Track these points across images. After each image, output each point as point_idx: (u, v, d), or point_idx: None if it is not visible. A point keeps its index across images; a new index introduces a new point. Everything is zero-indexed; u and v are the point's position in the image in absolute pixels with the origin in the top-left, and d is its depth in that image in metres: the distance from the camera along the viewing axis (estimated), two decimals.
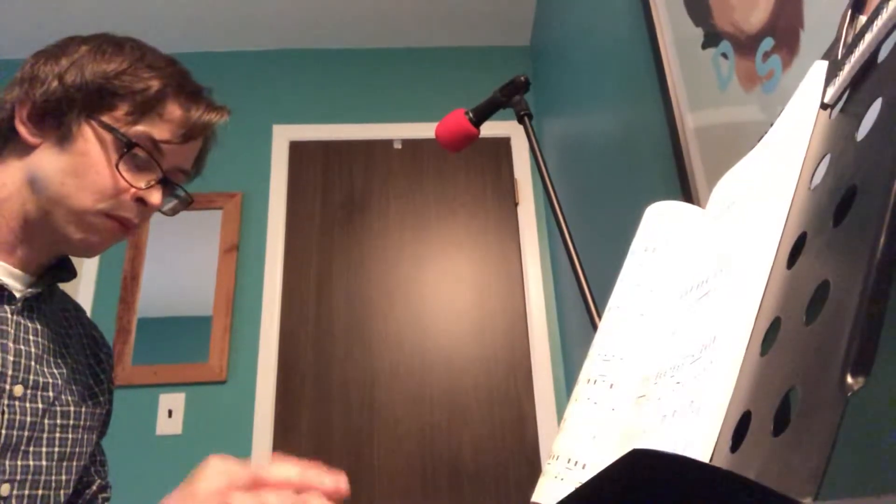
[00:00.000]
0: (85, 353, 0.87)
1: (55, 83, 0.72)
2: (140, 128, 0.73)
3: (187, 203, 0.85)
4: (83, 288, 2.30)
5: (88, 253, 0.76)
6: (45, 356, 0.76)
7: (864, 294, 0.24)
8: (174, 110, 0.76)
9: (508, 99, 1.02)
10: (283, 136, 2.62)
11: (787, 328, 0.31)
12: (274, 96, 2.70)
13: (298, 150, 2.60)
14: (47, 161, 0.72)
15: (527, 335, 2.33)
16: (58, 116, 0.72)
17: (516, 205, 2.54)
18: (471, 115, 1.04)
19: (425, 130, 2.59)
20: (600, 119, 1.68)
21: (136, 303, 2.29)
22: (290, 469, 0.57)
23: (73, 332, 0.85)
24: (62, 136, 0.72)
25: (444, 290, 2.40)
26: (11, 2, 2.45)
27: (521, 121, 0.99)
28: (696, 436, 0.35)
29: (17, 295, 0.73)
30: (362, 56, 2.80)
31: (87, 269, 2.32)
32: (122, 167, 0.72)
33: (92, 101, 0.72)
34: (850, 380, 0.23)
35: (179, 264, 2.39)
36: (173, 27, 2.54)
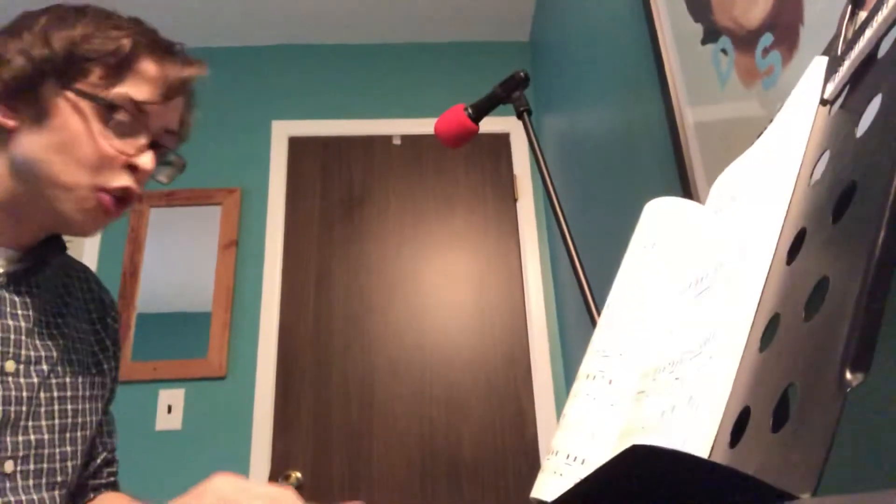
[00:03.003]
0: (90, 319, 0.86)
1: (20, 59, 0.68)
2: (118, 90, 0.70)
3: (181, 167, 0.82)
4: None
5: (87, 232, 0.74)
6: (38, 329, 0.75)
7: (863, 290, 0.24)
8: (149, 68, 0.73)
9: (508, 95, 1.02)
10: (283, 131, 2.61)
11: (787, 324, 0.31)
12: (273, 92, 2.69)
13: (297, 146, 2.60)
14: (28, 142, 0.69)
15: (526, 331, 2.33)
16: (31, 93, 0.69)
17: (515, 201, 2.54)
18: (470, 110, 1.04)
19: (425, 126, 2.59)
20: (600, 115, 1.67)
21: (136, 298, 2.29)
22: None
23: (73, 299, 0.84)
24: (39, 113, 0.69)
25: (443, 285, 2.40)
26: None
27: (520, 117, 0.99)
28: (695, 431, 0.35)
29: (1, 270, 0.72)
30: (362, 51, 2.80)
31: (87, 264, 2.31)
32: (107, 134, 0.70)
33: (63, 70, 0.69)
34: (849, 376, 0.23)
35: (178, 260, 2.39)
36: (171, 23, 2.52)
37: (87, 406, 0.80)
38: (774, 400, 0.28)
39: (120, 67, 0.70)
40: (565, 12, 2.08)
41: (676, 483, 0.29)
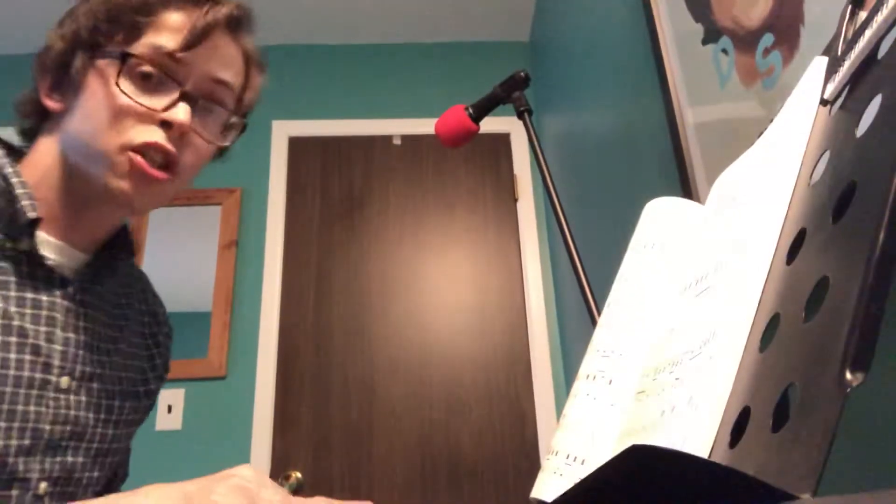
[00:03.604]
0: (143, 334, 0.82)
1: (59, 43, 0.68)
2: (142, 42, 0.67)
3: (241, 128, 0.75)
4: None
5: (134, 201, 0.68)
6: (96, 343, 0.71)
7: (863, 290, 0.24)
8: (172, 16, 0.68)
9: (508, 95, 1.02)
10: (283, 131, 2.61)
11: (787, 324, 0.31)
12: (273, 92, 2.67)
13: (298, 146, 2.60)
14: (71, 122, 0.68)
15: (526, 331, 2.33)
16: (68, 74, 0.68)
17: (516, 201, 2.54)
18: (470, 110, 1.04)
19: (425, 126, 2.59)
20: (600, 115, 1.67)
21: None
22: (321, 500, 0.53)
23: (131, 311, 0.80)
24: (74, 89, 0.68)
25: (443, 285, 2.40)
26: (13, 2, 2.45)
27: (520, 117, 0.99)
28: (695, 431, 0.35)
29: (69, 277, 0.68)
30: (362, 51, 2.80)
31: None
32: (125, 87, 0.66)
33: (90, 41, 0.67)
34: (849, 376, 0.23)
35: (178, 260, 2.39)
36: None
37: (124, 431, 0.76)
38: (774, 400, 0.28)
39: (139, 16, 0.67)
40: (565, 12, 2.08)
41: (676, 483, 0.29)
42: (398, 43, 2.82)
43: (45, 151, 0.69)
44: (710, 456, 0.33)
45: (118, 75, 0.66)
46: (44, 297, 0.66)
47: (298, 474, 2.09)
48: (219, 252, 2.38)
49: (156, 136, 0.66)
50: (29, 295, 0.65)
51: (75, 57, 0.68)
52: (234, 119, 0.75)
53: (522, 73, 1.01)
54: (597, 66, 1.69)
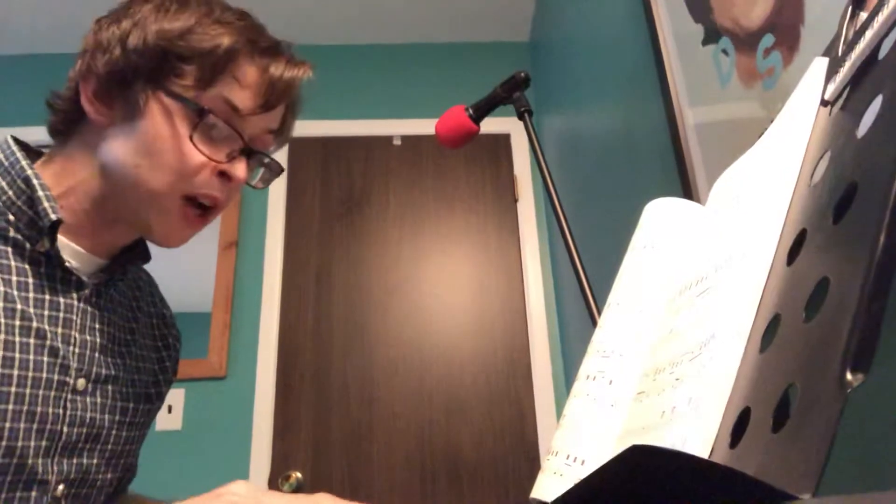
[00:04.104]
0: (153, 336, 0.82)
1: (118, 50, 0.64)
2: (213, 92, 0.65)
3: (279, 171, 0.76)
4: None
5: (169, 243, 0.70)
6: (111, 346, 0.71)
7: (863, 291, 0.24)
8: (249, 71, 0.67)
9: (508, 95, 1.02)
10: None
11: (787, 325, 0.31)
12: None
13: (297, 147, 2.60)
14: (117, 143, 0.65)
15: (526, 331, 2.33)
16: (123, 89, 0.65)
17: (516, 201, 2.54)
18: (471, 111, 1.04)
19: (425, 127, 2.59)
20: (600, 115, 1.67)
21: None
22: None
23: (141, 313, 0.80)
24: (130, 112, 0.65)
25: (443, 286, 2.40)
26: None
27: (520, 117, 0.99)
28: (696, 432, 0.35)
29: (86, 280, 0.68)
30: (362, 52, 2.80)
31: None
32: (196, 139, 0.65)
33: (156, 67, 0.64)
34: (849, 376, 0.23)
35: (178, 260, 2.38)
36: None
37: (136, 434, 0.76)
38: (775, 400, 0.28)
39: (216, 67, 0.65)
40: (565, 12, 2.08)
41: (676, 483, 0.29)
42: (398, 43, 2.82)
43: (82, 163, 0.68)
44: (710, 456, 0.33)
45: (193, 128, 0.65)
46: (61, 300, 0.66)
47: (298, 474, 2.09)
48: (219, 252, 2.38)
49: (214, 189, 0.68)
50: (47, 297, 0.65)
51: (136, 78, 0.65)
52: (272, 162, 0.76)
53: (522, 74, 1.01)
54: (597, 67, 1.69)
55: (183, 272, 2.38)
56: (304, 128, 2.61)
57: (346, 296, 2.36)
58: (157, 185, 0.65)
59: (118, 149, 0.66)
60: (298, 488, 2.07)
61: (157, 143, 0.65)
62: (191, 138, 0.65)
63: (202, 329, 2.27)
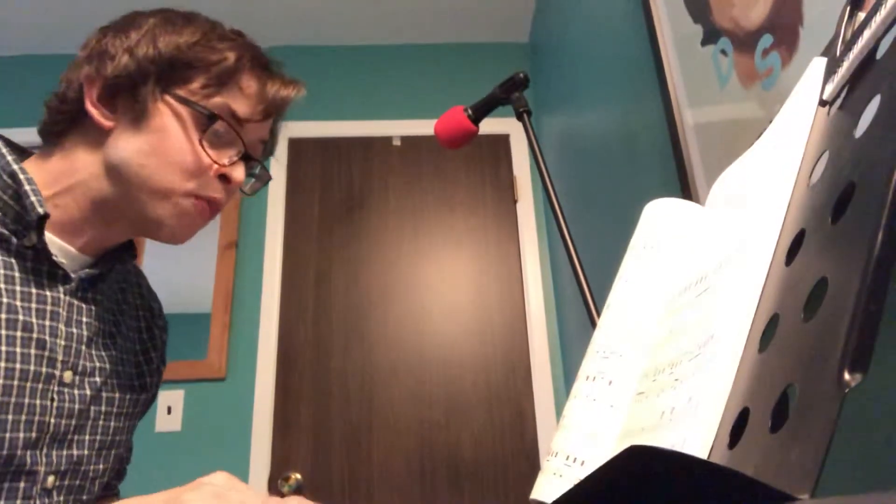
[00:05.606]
0: (138, 328, 0.83)
1: (126, 57, 0.68)
2: (218, 100, 0.70)
3: (266, 181, 0.82)
4: None
5: (179, 238, 0.73)
6: (96, 338, 0.73)
7: (861, 291, 0.24)
8: (251, 83, 0.73)
9: (507, 96, 1.02)
10: (282, 132, 2.60)
11: (786, 325, 0.31)
12: None
13: (297, 147, 2.60)
14: (124, 144, 0.68)
15: (526, 332, 2.33)
16: (131, 93, 0.68)
17: (515, 202, 2.54)
18: (470, 112, 1.04)
19: (424, 127, 2.59)
20: (599, 116, 1.67)
21: None
22: None
23: (127, 306, 0.81)
24: (137, 115, 0.68)
25: (442, 287, 2.40)
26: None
27: (520, 118, 0.99)
28: (695, 432, 0.35)
29: (73, 275, 0.69)
30: (361, 53, 2.80)
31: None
32: (204, 143, 0.69)
33: (166, 74, 0.68)
34: (847, 376, 0.23)
35: (178, 261, 2.38)
36: None
37: (125, 424, 0.77)
38: (773, 400, 0.28)
39: (222, 78, 0.70)
40: (565, 13, 2.08)
41: (675, 484, 0.29)
42: (398, 44, 2.83)
43: (84, 162, 0.69)
44: (709, 456, 0.33)
45: (202, 132, 0.69)
46: (47, 293, 0.67)
47: (298, 475, 2.09)
48: (219, 253, 2.38)
49: (216, 190, 0.72)
50: (33, 290, 0.66)
51: (145, 83, 0.68)
52: (262, 170, 0.81)
53: (522, 74, 1.01)
54: (596, 67, 1.69)
55: (183, 272, 2.38)
56: (304, 128, 2.63)
57: (346, 296, 2.36)
58: (167, 184, 0.68)
59: (124, 149, 0.68)
60: (298, 489, 2.07)
61: (165, 143, 0.68)
62: (200, 142, 0.69)
63: (202, 329, 2.27)
